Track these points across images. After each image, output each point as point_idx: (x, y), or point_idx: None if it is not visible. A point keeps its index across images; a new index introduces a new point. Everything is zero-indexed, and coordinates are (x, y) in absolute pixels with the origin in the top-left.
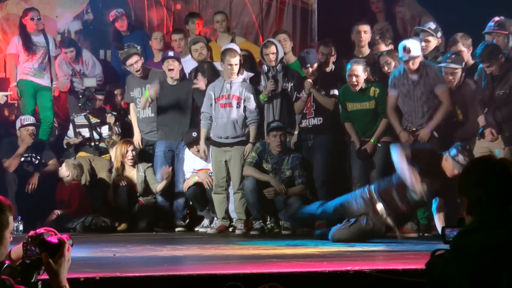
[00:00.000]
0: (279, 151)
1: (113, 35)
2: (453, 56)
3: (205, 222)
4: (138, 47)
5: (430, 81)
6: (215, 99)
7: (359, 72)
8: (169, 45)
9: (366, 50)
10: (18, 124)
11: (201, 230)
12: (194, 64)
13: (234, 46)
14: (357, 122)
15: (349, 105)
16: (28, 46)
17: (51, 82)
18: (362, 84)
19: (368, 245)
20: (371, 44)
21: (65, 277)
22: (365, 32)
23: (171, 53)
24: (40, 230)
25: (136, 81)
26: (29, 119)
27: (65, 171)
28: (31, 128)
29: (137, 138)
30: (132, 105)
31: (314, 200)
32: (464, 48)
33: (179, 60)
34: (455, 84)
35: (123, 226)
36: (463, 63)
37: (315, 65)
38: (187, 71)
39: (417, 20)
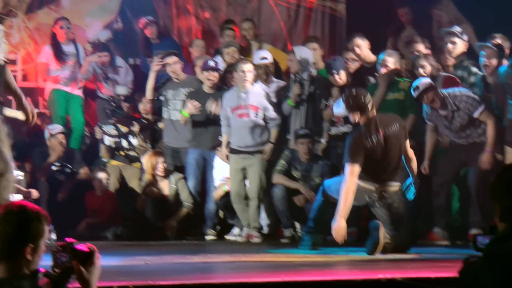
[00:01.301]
0: (307, 158)
1: (143, 42)
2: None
3: (235, 230)
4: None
5: (465, 112)
6: (231, 109)
7: (389, 63)
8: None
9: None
10: (46, 134)
11: (231, 238)
12: None
13: (265, 53)
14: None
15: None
16: (59, 55)
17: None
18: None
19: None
20: (408, 42)
21: (95, 285)
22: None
23: (211, 63)
24: (70, 239)
25: (173, 84)
26: (57, 128)
27: (103, 176)
28: (60, 136)
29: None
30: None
31: None
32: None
33: (219, 70)
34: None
35: (154, 235)
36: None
37: (342, 72)
38: None
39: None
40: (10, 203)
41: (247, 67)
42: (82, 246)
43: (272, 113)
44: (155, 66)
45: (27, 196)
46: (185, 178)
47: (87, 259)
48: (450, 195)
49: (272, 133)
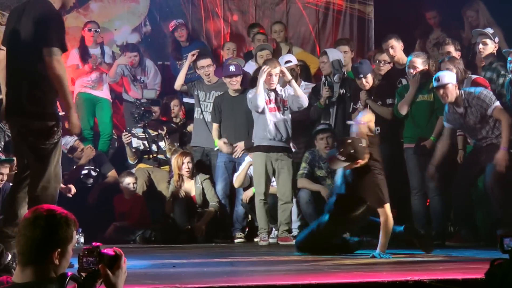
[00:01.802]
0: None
1: (173, 45)
2: None
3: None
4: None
5: (477, 108)
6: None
7: (417, 64)
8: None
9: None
10: (64, 151)
11: (260, 241)
12: None
13: (289, 56)
14: (416, 114)
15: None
16: (86, 58)
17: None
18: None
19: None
20: (437, 44)
21: None
22: (392, 47)
23: (232, 68)
24: (96, 243)
25: (204, 86)
26: (68, 142)
27: (131, 180)
28: (76, 143)
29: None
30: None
31: None
32: None
33: (240, 74)
34: None
35: (182, 237)
36: None
37: (369, 75)
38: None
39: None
40: (38, 207)
41: (275, 71)
42: (109, 250)
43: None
44: (190, 56)
45: (65, 191)
46: (210, 179)
47: (114, 263)
48: (469, 196)
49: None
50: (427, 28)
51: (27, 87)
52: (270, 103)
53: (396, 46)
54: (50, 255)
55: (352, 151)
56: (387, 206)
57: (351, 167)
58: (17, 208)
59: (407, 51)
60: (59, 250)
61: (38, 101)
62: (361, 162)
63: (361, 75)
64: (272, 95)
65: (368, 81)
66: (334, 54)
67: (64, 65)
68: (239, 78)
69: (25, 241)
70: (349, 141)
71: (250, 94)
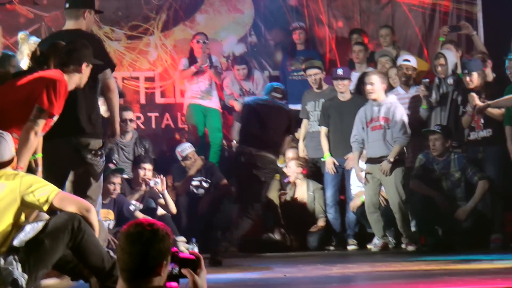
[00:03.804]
0: (438, 154)
1: (289, 46)
2: None
3: (375, 239)
4: (321, 64)
5: None
6: (366, 123)
7: None
8: None
9: None
10: (179, 157)
11: (372, 248)
12: None
13: (409, 56)
14: None
15: None
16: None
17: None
18: None
19: None
20: None
21: None
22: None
23: (340, 72)
24: (174, 249)
25: (312, 95)
26: (185, 149)
27: None
28: (191, 154)
29: (300, 149)
30: (304, 121)
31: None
32: None
33: (348, 78)
34: None
35: (294, 244)
36: None
37: (474, 74)
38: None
39: None
40: (136, 222)
41: (373, 79)
42: (186, 254)
43: (399, 128)
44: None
45: (166, 211)
46: (323, 189)
47: (196, 266)
48: None
49: (393, 150)
50: None
51: (85, 108)
52: (372, 122)
53: None
54: (158, 268)
55: None
56: None
57: None
58: None
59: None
60: (164, 262)
61: (94, 121)
62: None
63: (466, 71)
64: (375, 113)
65: (472, 79)
66: (450, 56)
67: (115, 83)
68: (346, 82)
69: (131, 258)
70: None
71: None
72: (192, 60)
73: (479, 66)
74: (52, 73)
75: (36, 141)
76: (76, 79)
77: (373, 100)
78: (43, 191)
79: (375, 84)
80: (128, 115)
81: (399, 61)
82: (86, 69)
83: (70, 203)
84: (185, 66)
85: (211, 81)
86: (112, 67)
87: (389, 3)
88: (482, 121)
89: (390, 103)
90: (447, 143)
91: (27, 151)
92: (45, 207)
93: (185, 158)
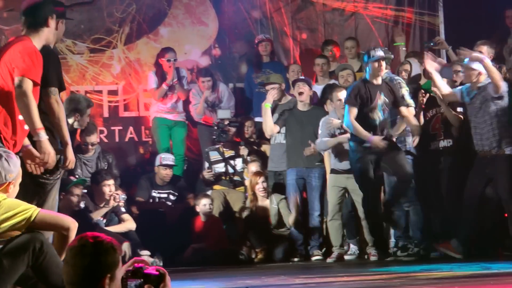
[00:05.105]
0: None
1: (255, 58)
2: None
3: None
4: (281, 77)
5: None
6: (333, 135)
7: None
8: None
9: None
10: (157, 162)
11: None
12: None
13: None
14: None
15: None
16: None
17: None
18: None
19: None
20: None
21: None
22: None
23: (302, 77)
24: (138, 264)
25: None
26: (169, 159)
27: (207, 202)
28: (169, 169)
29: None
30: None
31: None
32: None
33: (309, 85)
34: None
35: (260, 257)
36: None
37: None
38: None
39: None
40: (82, 235)
41: (342, 95)
42: (152, 270)
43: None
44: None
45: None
46: (286, 199)
47: (160, 282)
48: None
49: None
50: (503, 33)
51: None
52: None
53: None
54: (101, 282)
55: None
56: None
57: None
58: None
59: None
60: (109, 275)
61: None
62: None
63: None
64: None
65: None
66: (416, 66)
67: (62, 104)
68: (307, 88)
69: (74, 271)
70: None
71: None
72: (160, 75)
73: (450, 75)
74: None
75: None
76: (47, 35)
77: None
78: (22, 215)
79: (343, 101)
80: (91, 139)
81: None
82: (52, 22)
83: (49, 225)
84: (155, 83)
85: (178, 100)
86: (61, 88)
87: (352, 15)
88: (442, 130)
89: None
90: None
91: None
92: (24, 229)
93: (162, 165)
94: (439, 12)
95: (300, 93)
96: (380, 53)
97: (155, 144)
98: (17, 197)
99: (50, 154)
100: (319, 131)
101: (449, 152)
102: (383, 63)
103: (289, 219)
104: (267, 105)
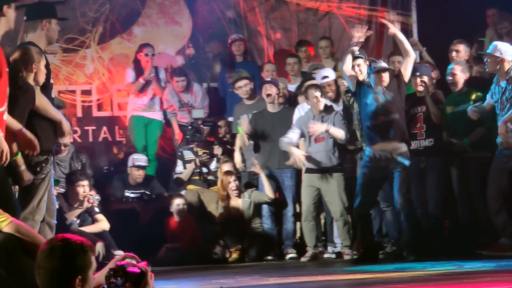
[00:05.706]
0: None
1: (228, 58)
2: None
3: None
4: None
5: None
6: (308, 134)
7: (457, 71)
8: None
9: None
10: (130, 163)
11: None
12: None
13: (326, 71)
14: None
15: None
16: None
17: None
18: (461, 86)
19: (476, 263)
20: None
21: None
22: (457, 51)
23: (268, 79)
24: (121, 262)
25: (243, 108)
26: (141, 160)
27: (180, 202)
28: (142, 170)
29: (237, 161)
30: (238, 134)
31: None
32: None
33: (276, 86)
34: None
35: (234, 257)
36: None
37: (425, 77)
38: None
39: None
40: (53, 238)
41: (319, 93)
42: (134, 268)
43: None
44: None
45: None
46: (257, 188)
47: (141, 280)
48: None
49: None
50: (475, 33)
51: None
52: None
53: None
54: (72, 284)
55: None
56: None
57: None
58: None
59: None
60: (80, 277)
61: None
62: None
63: (418, 73)
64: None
65: (423, 81)
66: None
67: (41, 96)
68: (274, 89)
69: (44, 273)
70: None
71: None
72: (138, 71)
73: (429, 72)
74: None
75: None
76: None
77: (318, 112)
78: None
79: (319, 98)
80: (64, 140)
81: (319, 81)
82: (9, 10)
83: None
84: (133, 78)
85: (154, 96)
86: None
87: (326, 14)
88: (424, 129)
89: (334, 114)
90: None
91: None
92: None
93: (135, 166)
94: (412, 12)
95: (268, 95)
96: (380, 64)
97: (131, 142)
98: None
99: (4, 151)
100: (292, 124)
101: (431, 152)
102: (384, 74)
103: (267, 192)
104: (240, 130)
